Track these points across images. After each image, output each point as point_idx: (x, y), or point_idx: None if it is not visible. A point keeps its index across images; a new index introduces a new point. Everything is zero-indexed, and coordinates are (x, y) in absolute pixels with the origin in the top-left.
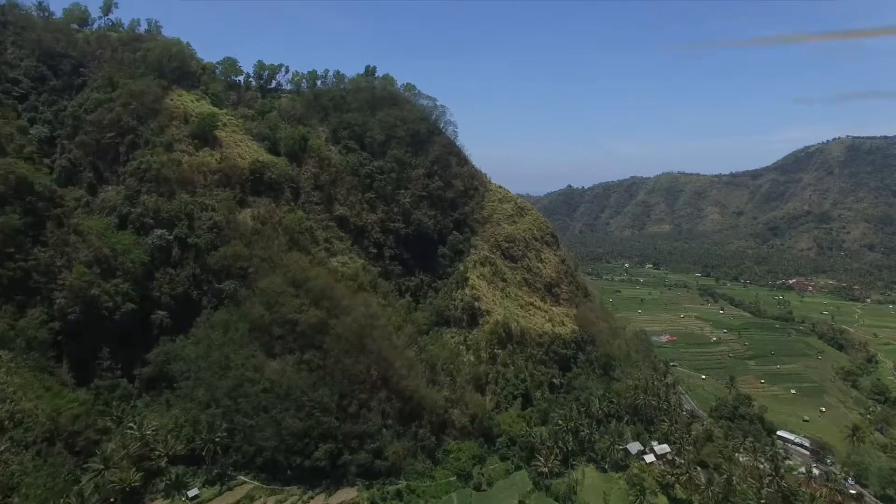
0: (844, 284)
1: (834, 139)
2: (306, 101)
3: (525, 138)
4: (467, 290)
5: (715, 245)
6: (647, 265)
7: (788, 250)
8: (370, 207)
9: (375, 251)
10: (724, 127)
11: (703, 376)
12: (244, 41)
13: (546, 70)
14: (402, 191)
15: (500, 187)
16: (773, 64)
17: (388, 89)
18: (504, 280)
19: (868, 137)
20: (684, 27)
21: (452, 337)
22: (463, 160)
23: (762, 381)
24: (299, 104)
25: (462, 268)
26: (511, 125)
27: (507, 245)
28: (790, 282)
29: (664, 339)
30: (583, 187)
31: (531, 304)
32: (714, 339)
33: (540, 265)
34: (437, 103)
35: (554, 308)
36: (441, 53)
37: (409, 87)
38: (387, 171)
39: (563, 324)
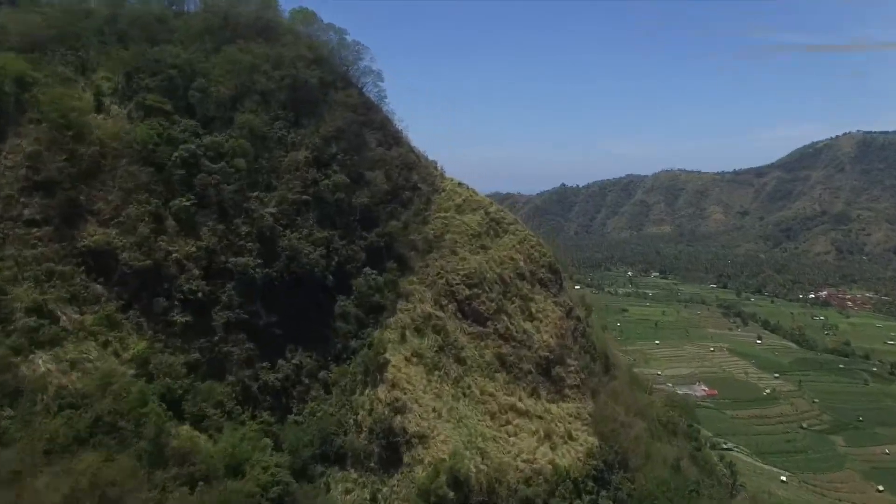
0: (888, 298)
1: (843, 134)
2: (75, 18)
3: (525, 138)
4: (382, 391)
5: (723, 248)
6: (653, 273)
7: (804, 254)
8: (182, 228)
9: (187, 319)
10: (724, 124)
11: (783, 477)
12: None
13: (546, 70)
14: (261, 193)
15: (460, 185)
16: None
17: (260, 14)
18: (460, 362)
19: (881, 132)
20: (686, 26)
21: (349, 491)
22: (392, 137)
23: (879, 487)
24: (54, 21)
25: (377, 341)
26: (511, 125)
27: (468, 292)
28: (822, 294)
29: (700, 392)
30: (577, 186)
31: (511, 408)
32: (766, 390)
33: (529, 327)
34: (349, 38)
35: (553, 408)
36: (441, 53)
37: (304, 12)
38: (230, 154)
39: (571, 438)
